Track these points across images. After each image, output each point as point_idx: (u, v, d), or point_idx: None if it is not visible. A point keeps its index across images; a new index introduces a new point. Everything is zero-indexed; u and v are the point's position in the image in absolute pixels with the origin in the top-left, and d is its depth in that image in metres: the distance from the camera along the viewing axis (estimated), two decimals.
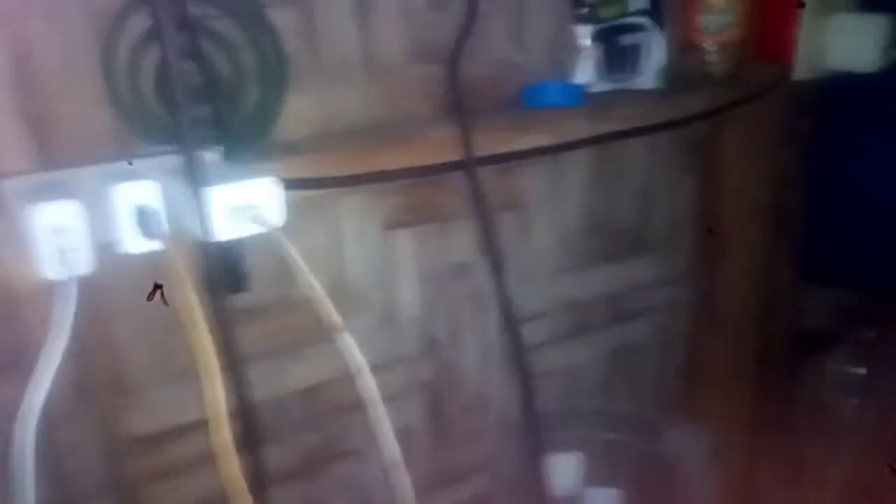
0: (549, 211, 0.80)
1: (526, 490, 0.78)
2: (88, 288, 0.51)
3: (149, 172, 0.52)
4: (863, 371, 1.02)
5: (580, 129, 0.73)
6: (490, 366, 0.81)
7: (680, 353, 0.98)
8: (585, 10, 0.73)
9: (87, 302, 0.51)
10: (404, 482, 0.55)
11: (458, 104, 0.65)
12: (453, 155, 0.65)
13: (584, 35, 0.74)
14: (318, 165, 0.61)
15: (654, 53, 0.76)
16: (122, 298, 0.58)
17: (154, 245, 0.51)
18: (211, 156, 0.54)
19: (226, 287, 0.54)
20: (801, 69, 0.86)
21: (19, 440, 0.48)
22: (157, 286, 0.51)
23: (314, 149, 0.61)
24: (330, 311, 0.52)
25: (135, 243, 0.52)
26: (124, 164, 0.52)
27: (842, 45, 0.86)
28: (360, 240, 0.69)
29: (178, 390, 0.61)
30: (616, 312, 0.90)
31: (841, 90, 0.92)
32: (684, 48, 0.80)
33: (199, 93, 0.54)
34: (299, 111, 0.61)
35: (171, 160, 0.51)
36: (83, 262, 0.50)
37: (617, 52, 0.75)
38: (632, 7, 0.75)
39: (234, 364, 0.50)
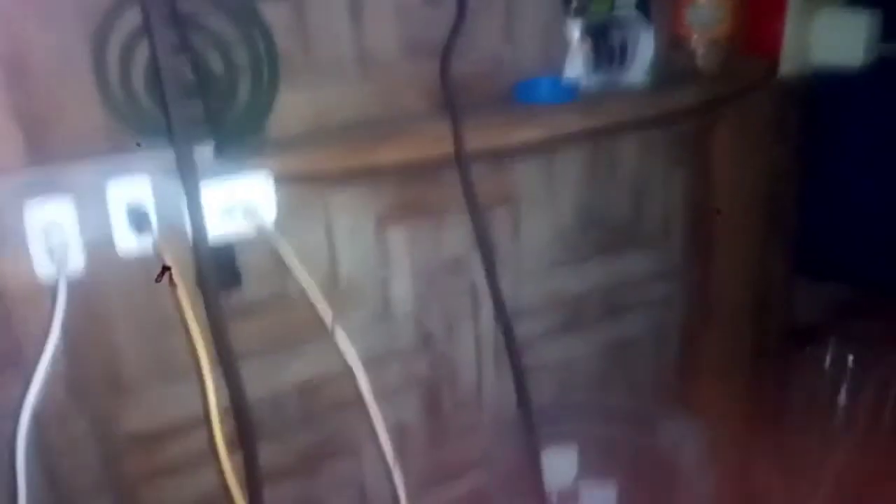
0: (543, 205, 0.81)
1: (522, 485, 0.78)
2: (81, 285, 0.51)
3: (141, 169, 0.52)
4: (856, 364, 1.03)
5: (572, 123, 0.73)
6: (485, 360, 0.82)
7: (674, 347, 0.99)
8: (575, 6, 0.74)
9: (80, 299, 0.51)
10: (400, 478, 0.56)
11: (450, 100, 0.65)
12: (446, 150, 0.65)
13: (574, 30, 0.74)
14: (311, 161, 0.61)
15: (643, 48, 0.77)
16: (115, 296, 0.58)
17: (146, 242, 0.51)
18: (203, 152, 0.54)
19: (219, 284, 0.54)
20: (788, 64, 0.87)
21: (14, 439, 0.47)
22: (166, 268, 0.51)
23: (307, 145, 0.62)
24: (323, 307, 0.52)
25: (127, 240, 0.52)
26: (116, 160, 0.52)
27: (828, 40, 0.87)
28: (354, 235, 0.69)
29: (174, 388, 0.61)
30: (610, 306, 0.90)
31: (828, 85, 0.93)
32: (673, 43, 0.81)
33: (190, 89, 0.54)
34: (292, 107, 0.61)
35: (164, 157, 0.51)
36: (75, 260, 0.50)
37: (606, 47, 0.75)
38: (620, 3, 0.76)
39: (228, 361, 0.50)
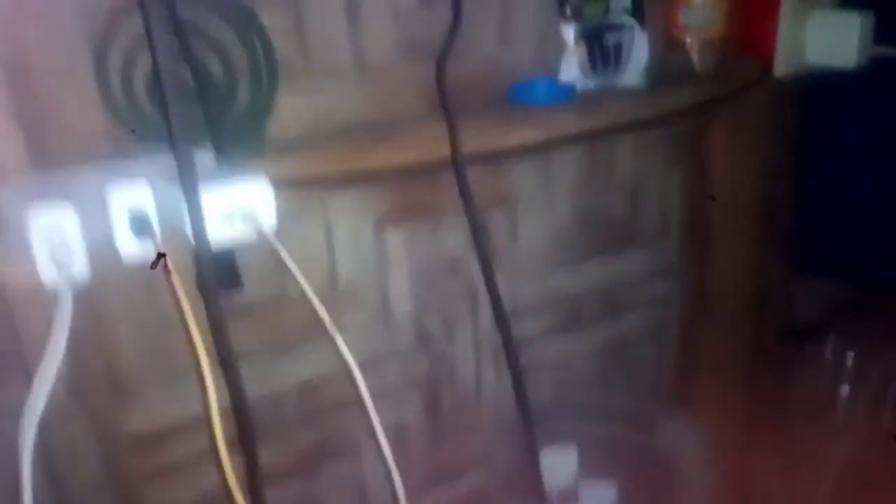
0: (541, 206, 0.81)
1: (521, 484, 0.79)
2: (84, 289, 0.51)
3: (142, 174, 0.52)
4: (855, 361, 1.03)
5: (568, 125, 0.74)
6: (484, 360, 0.82)
7: (673, 346, 0.99)
8: (569, 10, 0.75)
9: (82, 302, 0.51)
10: (398, 479, 0.56)
11: (445, 103, 0.66)
12: (444, 152, 0.66)
13: (569, 34, 0.75)
14: (309, 164, 0.62)
15: (638, 51, 0.78)
16: (117, 298, 0.58)
17: (147, 246, 0.52)
18: (203, 156, 0.55)
19: (219, 286, 0.54)
20: (783, 65, 0.88)
21: (19, 442, 0.48)
22: (161, 255, 0.51)
23: (306, 148, 0.62)
24: (322, 308, 0.52)
25: (128, 244, 0.52)
26: (118, 165, 0.53)
27: (821, 42, 0.87)
28: (353, 237, 0.70)
29: (174, 389, 0.62)
30: (609, 306, 0.91)
31: (823, 85, 0.93)
32: (669, 45, 0.82)
33: (190, 94, 0.55)
34: (291, 111, 0.62)
35: (164, 161, 0.51)
36: (78, 264, 0.50)
37: (601, 50, 0.76)
38: (615, 6, 0.77)
39: (228, 362, 0.50)
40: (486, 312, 0.79)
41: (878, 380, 1.01)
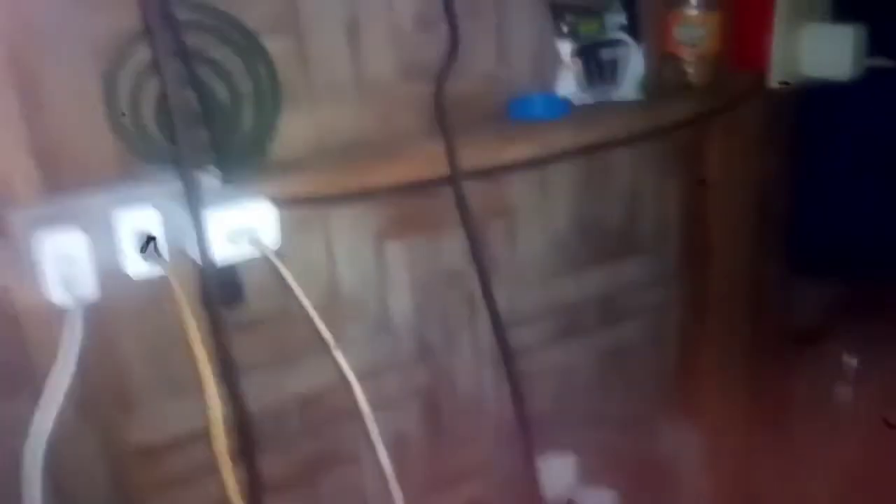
0: (539, 217, 0.82)
1: (521, 492, 0.80)
2: (92, 308, 0.53)
3: (149, 196, 0.54)
4: (856, 361, 1.03)
5: (566, 139, 0.75)
6: (484, 370, 0.83)
7: (672, 352, 1.00)
8: (565, 28, 0.76)
9: (91, 321, 0.53)
10: (399, 488, 0.57)
11: (443, 122, 0.67)
12: (442, 169, 0.67)
13: (565, 50, 0.76)
14: (312, 183, 0.63)
15: (633, 66, 0.79)
16: (124, 317, 0.60)
17: (154, 266, 0.53)
18: (209, 179, 0.56)
19: (223, 301, 0.56)
20: (776, 78, 0.88)
21: (28, 458, 0.49)
22: (150, 238, 0.52)
23: (308, 167, 0.64)
24: (321, 325, 0.53)
25: (136, 265, 0.54)
26: (126, 189, 0.54)
27: (815, 55, 0.88)
28: (354, 251, 0.71)
29: (179, 402, 0.63)
30: (607, 313, 0.92)
31: (816, 99, 0.94)
32: (663, 60, 0.83)
33: (197, 119, 0.56)
34: (294, 131, 0.63)
35: (171, 184, 0.53)
36: (88, 287, 0.52)
37: (597, 66, 0.77)
38: (609, 23, 0.78)
39: (231, 376, 0.52)
40: (484, 322, 0.80)
41: (878, 378, 1.01)
